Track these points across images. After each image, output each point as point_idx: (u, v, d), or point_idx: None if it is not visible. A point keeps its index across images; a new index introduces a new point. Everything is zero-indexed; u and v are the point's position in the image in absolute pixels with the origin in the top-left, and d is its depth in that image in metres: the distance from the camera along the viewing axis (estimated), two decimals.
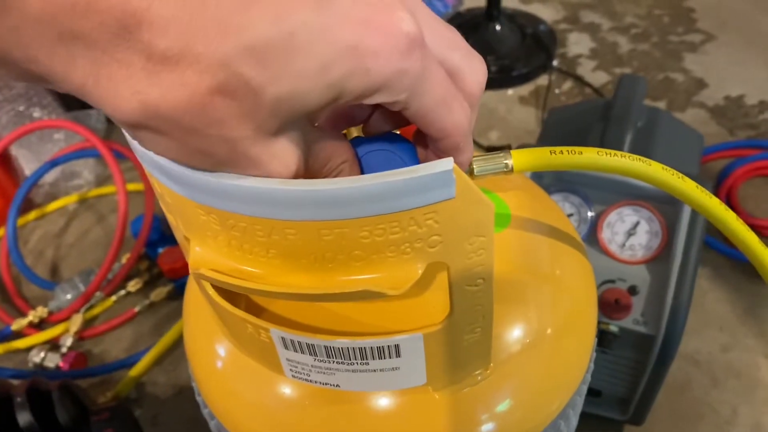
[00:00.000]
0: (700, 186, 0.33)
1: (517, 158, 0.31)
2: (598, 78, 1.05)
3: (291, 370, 0.30)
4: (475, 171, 0.31)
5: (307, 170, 0.23)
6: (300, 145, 0.22)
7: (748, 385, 0.68)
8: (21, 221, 0.89)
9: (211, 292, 0.28)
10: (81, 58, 0.19)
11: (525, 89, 1.04)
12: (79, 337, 0.75)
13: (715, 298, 0.75)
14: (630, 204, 0.58)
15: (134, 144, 0.23)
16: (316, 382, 0.30)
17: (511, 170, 0.31)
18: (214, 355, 0.34)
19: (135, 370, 0.68)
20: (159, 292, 0.78)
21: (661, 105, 0.99)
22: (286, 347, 0.28)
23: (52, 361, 0.72)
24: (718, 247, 0.79)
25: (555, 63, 1.07)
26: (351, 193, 0.21)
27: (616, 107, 0.65)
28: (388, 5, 0.21)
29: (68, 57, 0.19)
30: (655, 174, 0.32)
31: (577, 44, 1.12)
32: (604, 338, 0.56)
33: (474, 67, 0.25)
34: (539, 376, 0.33)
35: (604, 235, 0.58)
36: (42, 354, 0.72)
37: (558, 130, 0.74)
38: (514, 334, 0.33)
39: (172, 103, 0.19)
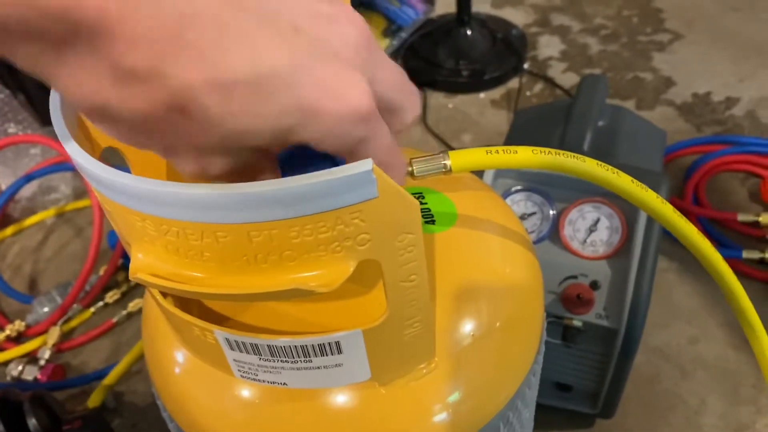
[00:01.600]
0: (635, 180, 0.34)
1: (455, 159, 0.32)
2: (569, 79, 1.06)
3: (239, 370, 0.30)
4: (414, 172, 0.32)
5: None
6: (236, 169, 0.24)
7: (716, 375, 0.70)
8: None
9: (158, 297, 0.29)
10: (47, 55, 0.19)
11: (497, 92, 1.06)
12: (58, 349, 0.76)
13: (683, 292, 0.77)
14: (590, 201, 0.59)
15: (72, 156, 0.24)
16: (264, 381, 0.31)
17: (450, 170, 0.32)
18: (171, 360, 0.35)
19: (109, 379, 0.68)
20: (137, 303, 0.79)
21: (631, 104, 1.00)
22: (231, 348, 0.29)
23: (30, 373, 0.72)
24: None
25: (526, 66, 1.09)
26: (275, 194, 0.22)
27: (577, 107, 0.67)
28: (351, 74, 0.22)
29: (34, 53, 0.19)
30: (590, 170, 0.33)
31: (548, 47, 1.14)
32: (568, 333, 0.57)
33: (412, 104, 0.28)
34: (487, 369, 0.34)
35: (566, 232, 0.59)
36: (20, 367, 0.73)
37: (525, 131, 0.76)
38: (462, 328, 0.34)
39: (130, 109, 0.20)
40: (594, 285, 0.57)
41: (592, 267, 0.58)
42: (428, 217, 0.37)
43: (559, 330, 0.58)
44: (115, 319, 0.78)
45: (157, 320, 0.36)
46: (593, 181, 0.34)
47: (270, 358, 0.29)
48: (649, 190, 0.34)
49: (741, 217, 0.79)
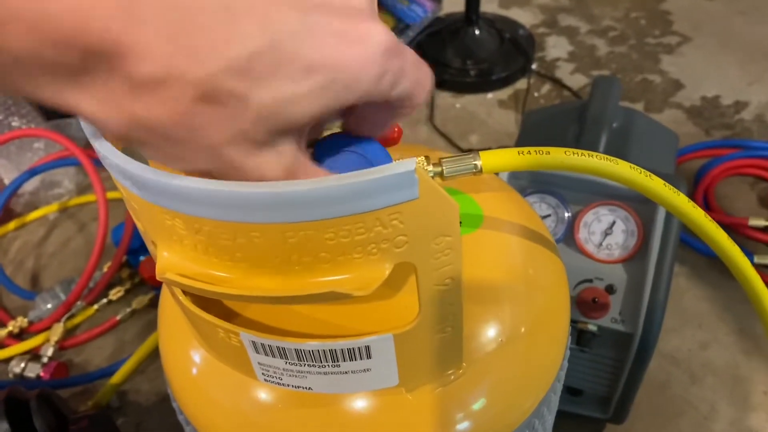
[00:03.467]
0: (667, 184, 0.33)
1: (486, 159, 0.32)
2: (577, 81, 1.06)
3: (263, 373, 0.30)
4: (444, 172, 0.31)
5: None
6: (285, 162, 0.23)
7: (726, 381, 0.69)
8: (1, 231, 0.89)
9: (182, 297, 0.28)
10: (66, 86, 0.19)
11: (504, 93, 1.05)
12: (60, 346, 0.75)
13: (693, 297, 0.76)
14: (606, 204, 0.58)
15: (101, 152, 0.23)
16: (288, 385, 0.30)
17: (480, 171, 0.32)
18: (189, 361, 0.34)
19: (115, 378, 0.67)
20: (141, 300, 0.78)
21: (639, 106, 1.00)
22: (257, 351, 0.28)
23: (33, 371, 0.71)
24: (696, 246, 0.80)
25: (534, 66, 1.08)
26: (314, 194, 0.21)
27: (592, 108, 0.66)
28: (367, 19, 0.22)
29: (54, 86, 0.19)
30: (623, 172, 0.32)
31: (556, 48, 1.13)
32: (582, 337, 0.56)
33: (419, 90, 0.26)
34: (513, 374, 0.34)
35: (581, 235, 0.58)
36: (22, 364, 0.72)
37: (535, 131, 0.75)
38: (488, 333, 0.33)
39: (157, 115, 0.20)
40: (609, 289, 0.56)
41: (608, 271, 0.57)
42: None
43: (574, 334, 0.57)
44: (118, 317, 0.77)
45: (175, 319, 0.35)
46: (625, 184, 0.33)
47: (297, 362, 0.28)
48: (681, 193, 0.34)
49: (752, 222, 0.78)
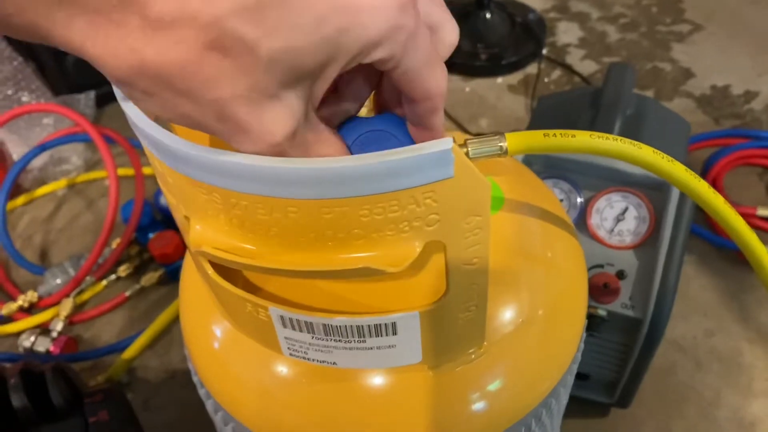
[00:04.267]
0: (688, 169, 0.34)
1: (512, 141, 0.32)
2: (587, 67, 1.05)
3: (289, 348, 0.30)
4: (470, 153, 0.31)
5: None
6: (294, 119, 0.22)
7: (731, 369, 0.70)
8: (9, 206, 0.89)
9: (210, 271, 0.29)
10: (78, 20, 0.19)
11: (514, 78, 1.05)
12: (70, 321, 0.75)
13: (700, 285, 0.77)
14: (619, 190, 0.59)
15: (134, 121, 0.23)
16: (313, 360, 0.30)
17: (506, 153, 0.32)
18: (211, 335, 0.34)
19: (127, 353, 0.68)
20: (150, 277, 0.78)
21: (649, 94, 1.00)
22: (284, 326, 0.29)
23: (43, 345, 0.72)
24: (703, 234, 0.80)
25: (544, 52, 1.08)
26: (353, 171, 0.22)
27: (606, 95, 0.66)
28: None
29: (66, 20, 0.19)
30: (646, 157, 0.33)
31: (566, 33, 1.13)
32: (592, 322, 0.57)
33: (451, 26, 0.26)
34: (532, 355, 0.34)
35: (593, 220, 0.59)
36: (32, 338, 0.72)
37: (547, 117, 0.75)
38: (507, 314, 0.34)
39: (167, 60, 0.20)
40: (620, 274, 0.57)
41: (619, 256, 0.57)
42: None
43: None
44: (128, 293, 0.77)
45: (198, 293, 0.36)
46: (647, 169, 0.33)
47: (324, 337, 0.28)
48: (701, 179, 0.34)
49: (761, 212, 0.78)
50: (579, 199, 0.59)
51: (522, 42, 1.07)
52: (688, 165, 0.57)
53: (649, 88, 1.01)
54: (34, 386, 0.49)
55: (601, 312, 0.56)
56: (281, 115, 0.22)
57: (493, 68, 1.05)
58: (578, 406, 0.65)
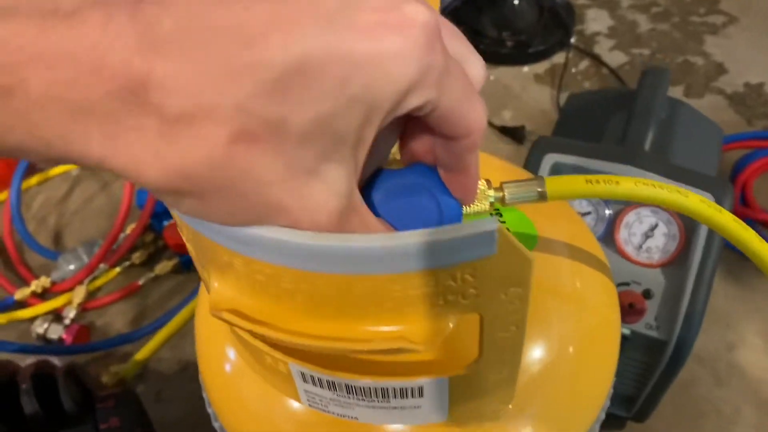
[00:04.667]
0: (737, 219, 0.32)
1: (552, 186, 0.30)
2: (616, 58, 1.02)
3: (308, 400, 0.29)
4: (506, 199, 0.30)
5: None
6: (338, 196, 0.20)
7: (752, 384, 0.68)
8: (24, 185, 0.88)
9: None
10: (94, 132, 0.17)
11: (541, 67, 1.02)
12: (82, 308, 0.75)
13: (723, 295, 0.75)
14: (649, 205, 0.56)
15: None
16: (333, 413, 0.29)
17: (545, 198, 0.30)
18: (229, 372, 0.33)
19: (141, 354, 0.67)
20: (164, 266, 0.77)
21: (679, 90, 0.96)
22: (305, 380, 0.27)
23: (56, 332, 0.71)
24: (729, 244, 0.78)
25: (572, 40, 1.04)
26: (387, 251, 0.20)
27: (640, 101, 0.63)
28: (396, 1, 0.19)
29: (82, 134, 0.18)
30: (693, 206, 0.31)
31: (596, 21, 1.09)
32: None
33: (476, 59, 0.24)
34: (563, 398, 0.33)
35: (621, 235, 0.57)
36: (45, 325, 0.72)
37: (576, 118, 0.73)
38: (536, 353, 0.32)
39: (193, 161, 0.18)
40: (647, 294, 0.55)
41: (646, 274, 0.56)
42: None
43: None
44: (141, 282, 0.76)
45: (214, 325, 0.34)
46: (695, 218, 0.31)
47: (346, 395, 0.27)
48: (750, 229, 0.32)
49: None
50: (607, 212, 0.58)
51: (550, 29, 1.04)
52: (724, 182, 0.55)
53: (678, 84, 0.98)
54: (46, 390, 0.49)
55: (625, 331, 0.55)
56: (324, 193, 0.20)
57: (519, 56, 1.02)
58: None
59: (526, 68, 1.02)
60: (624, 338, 0.55)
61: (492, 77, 1.00)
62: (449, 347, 0.26)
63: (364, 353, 0.23)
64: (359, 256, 0.20)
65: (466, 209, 0.28)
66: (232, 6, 0.18)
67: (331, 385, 0.27)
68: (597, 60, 1.02)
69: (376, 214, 0.25)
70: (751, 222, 0.79)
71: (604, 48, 1.04)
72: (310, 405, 0.29)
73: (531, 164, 0.59)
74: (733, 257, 0.77)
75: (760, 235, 0.68)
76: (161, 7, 0.17)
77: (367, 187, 0.25)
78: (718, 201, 0.54)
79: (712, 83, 0.98)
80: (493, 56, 1.02)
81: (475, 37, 1.02)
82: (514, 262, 0.22)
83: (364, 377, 0.26)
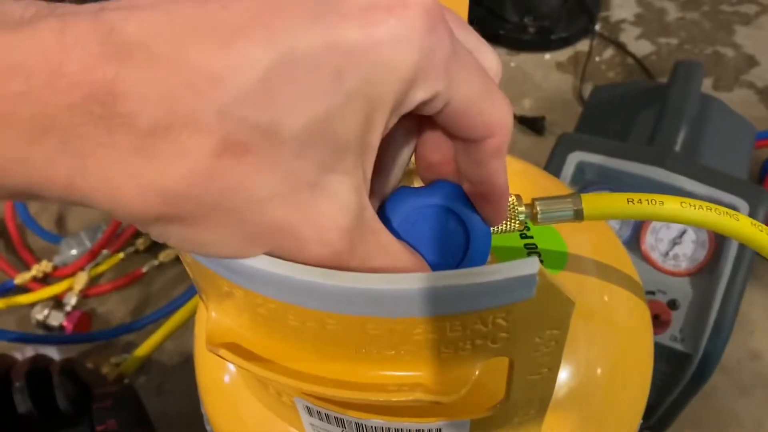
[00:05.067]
0: None
1: (588, 204, 0.27)
2: (642, 48, 0.98)
3: None
4: (539, 217, 0.27)
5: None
6: (347, 211, 0.17)
7: None
8: None
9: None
10: (58, 152, 0.15)
11: (563, 54, 0.98)
12: (84, 295, 0.73)
13: (748, 301, 0.71)
14: None
15: None
16: None
17: (581, 218, 0.27)
18: (229, 392, 0.31)
19: (141, 350, 0.65)
20: (168, 253, 0.75)
21: (708, 82, 0.93)
22: (310, 415, 0.25)
23: (56, 319, 0.70)
24: None
25: (597, 28, 1.00)
26: (410, 294, 0.17)
27: (672, 97, 0.60)
28: None
29: (43, 155, 0.15)
30: (743, 230, 0.28)
31: (622, 7, 1.05)
32: None
33: (488, 50, 0.21)
34: (593, 423, 0.31)
35: (648, 241, 0.54)
36: (45, 311, 0.70)
37: (601, 112, 0.69)
38: (562, 375, 0.30)
39: (174, 178, 0.15)
40: (672, 304, 0.52)
41: (672, 283, 0.53)
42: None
43: None
44: (144, 269, 0.74)
45: None
46: (744, 243, 0.28)
47: None
48: None
49: None
50: None
51: (574, 16, 1.00)
52: (750, 171, 0.52)
53: (707, 76, 0.94)
54: (41, 388, 0.47)
55: None
56: (331, 208, 0.17)
57: (541, 43, 0.98)
58: None
59: (548, 55, 0.98)
60: None
61: (513, 64, 0.97)
62: (472, 389, 0.24)
63: (373, 405, 0.20)
64: (375, 298, 0.17)
65: (494, 228, 0.26)
66: (207, 6, 0.15)
67: (340, 422, 0.24)
68: (622, 49, 0.98)
69: (397, 237, 0.22)
70: None
71: (630, 36, 1.00)
72: None
73: (554, 162, 0.55)
74: (758, 262, 0.74)
75: None
76: (127, 11, 0.15)
77: (386, 208, 0.22)
78: (753, 208, 0.51)
79: (743, 76, 0.94)
80: (514, 42, 0.98)
81: (495, 21, 0.98)
82: (553, 304, 0.19)
83: (377, 417, 0.23)
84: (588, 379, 0.31)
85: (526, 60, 0.97)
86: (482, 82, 0.19)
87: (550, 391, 0.24)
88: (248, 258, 0.17)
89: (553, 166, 0.55)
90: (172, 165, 0.15)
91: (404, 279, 0.17)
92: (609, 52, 0.98)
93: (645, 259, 0.54)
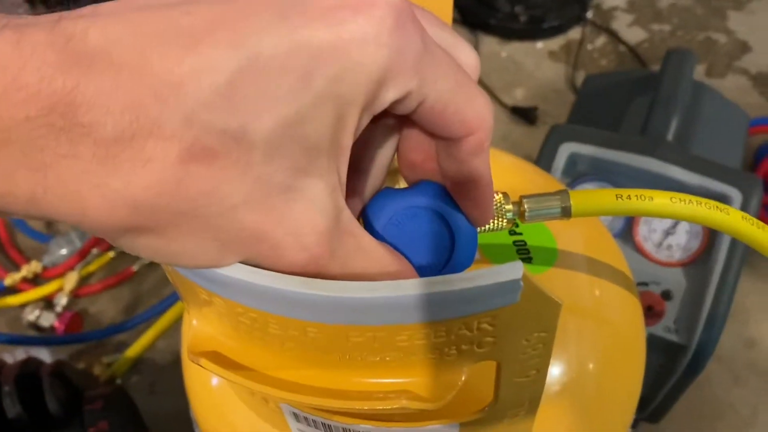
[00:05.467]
0: None
1: (577, 201, 0.27)
2: (634, 35, 0.97)
3: None
4: (526, 215, 0.26)
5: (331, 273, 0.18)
6: (323, 215, 0.17)
7: None
8: None
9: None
10: (18, 165, 0.14)
11: (555, 43, 0.97)
12: (75, 294, 0.72)
13: (742, 289, 0.71)
14: None
15: None
16: None
17: (569, 215, 0.27)
18: (217, 395, 0.30)
19: (132, 351, 0.64)
20: None
21: (700, 69, 0.92)
22: (297, 420, 0.24)
23: (47, 320, 0.69)
24: None
25: (589, 15, 1.00)
26: (392, 302, 0.17)
27: (664, 86, 0.59)
28: None
29: (3, 171, 0.14)
30: (734, 224, 0.28)
31: None
32: None
33: (465, 46, 0.20)
34: (585, 420, 0.30)
35: (641, 231, 0.53)
36: (36, 312, 0.70)
37: (593, 102, 0.69)
38: (553, 371, 0.30)
39: (141, 187, 0.15)
40: (666, 295, 0.52)
41: (666, 274, 0.53)
42: (524, 253, 0.31)
43: None
44: (135, 267, 0.73)
45: None
46: (736, 237, 0.28)
47: None
48: None
49: None
50: None
51: (565, 3, 0.99)
52: (753, 178, 0.51)
53: (700, 63, 0.93)
54: (31, 392, 0.46)
55: None
56: (307, 212, 0.17)
57: (532, 31, 0.97)
58: None
59: (539, 44, 0.97)
60: None
61: (504, 53, 0.96)
62: (460, 393, 0.23)
63: (359, 413, 0.20)
64: (356, 307, 0.17)
65: (481, 227, 0.25)
66: (169, 12, 0.15)
67: (327, 428, 0.24)
68: (614, 36, 0.97)
69: (381, 240, 0.21)
70: None
71: (622, 24, 0.99)
72: None
73: (546, 154, 0.55)
74: (748, 252, 0.74)
75: None
76: (87, 19, 0.14)
77: (369, 210, 0.22)
78: (746, 197, 0.51)
79: (735, 62, 0.93)
80: (505, 31, 0.97)
81: (485, 10, 0.97)
82: (540, 307, 0.19)
83: (365, 422, 0.23)
84: (580, 375, 0.31)
85: (517, 49, 0.97)
86: (457, 79, 0.18)
87: (539, 392, 0.24)
88: (223, 267, 0.17)
89: (544, 157, 0.55)
90: (138, 174, 0.14)
91: (384, 287, 0.17)
92: (601, 40, 0.97)
93: (638, 250, 0.53)
